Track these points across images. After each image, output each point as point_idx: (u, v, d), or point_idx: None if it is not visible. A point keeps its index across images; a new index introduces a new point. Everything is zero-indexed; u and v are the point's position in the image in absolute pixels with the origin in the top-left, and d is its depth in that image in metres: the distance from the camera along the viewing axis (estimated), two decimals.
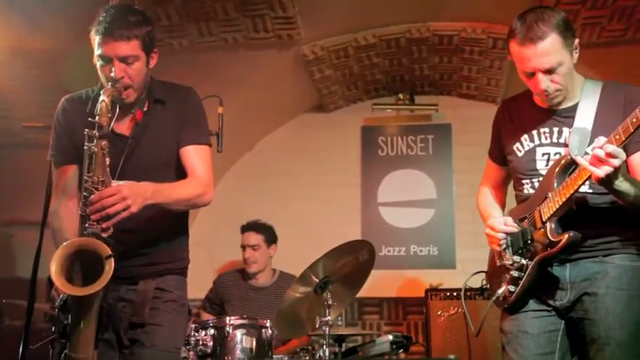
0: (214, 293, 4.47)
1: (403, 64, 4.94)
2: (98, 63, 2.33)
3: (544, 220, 2.25)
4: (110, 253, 2.08)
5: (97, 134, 2.17)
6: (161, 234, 2.41)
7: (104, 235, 2.12)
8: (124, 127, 2.38)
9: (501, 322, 2.43)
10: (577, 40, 2.28)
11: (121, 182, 2.18)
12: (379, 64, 4.90)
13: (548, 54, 2.20)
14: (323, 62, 4.71)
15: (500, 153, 2.55)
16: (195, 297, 4.47)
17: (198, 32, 4.06)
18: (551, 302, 2.30)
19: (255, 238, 4.42)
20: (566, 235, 2.17)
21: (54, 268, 2.06)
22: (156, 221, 2.32)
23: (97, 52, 2.31)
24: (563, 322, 2.30)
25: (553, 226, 2.22)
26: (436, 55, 4.79)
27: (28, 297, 2.87)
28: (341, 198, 5.25)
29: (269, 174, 5.32)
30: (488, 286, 2.56)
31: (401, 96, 5.31)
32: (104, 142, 2.17)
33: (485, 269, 2.61)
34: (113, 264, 2.07)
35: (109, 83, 2.26)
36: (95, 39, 2.31)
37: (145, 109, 2.43)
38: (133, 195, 2.13)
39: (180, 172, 2.44)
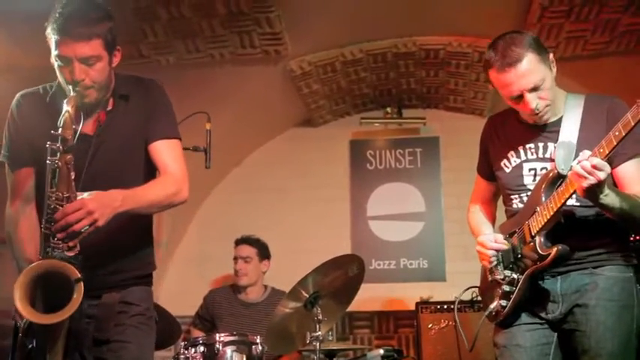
0: (204, 309, 4.44)
1: (390, 78, 4.97)
2: (56, 63, 2.15)
3: (533, 234, 2.26)
4: (79, 276, 1.94)
5: (60, 148, 2.00)
6: (124, 240, 2.22)
7: (70, 254, 1.98)
8: (88, 128, 2.21)
9: (494, 335, 2.44)
10: (552, 55, 2.32)
11: (85, 194, 2.02)
12: (366, 78, 4.93)
13: (529, 73, 2.23)
14: (310, 77, 4.73)
15: (488, 169, 2.57)
16: (185, 314, 4.49)
17: (185, 48, 4.07)
18: (543, 315, 2.31)
19: (247, 250, 4.43)
20: (555, 249, 2.19)
21: (18, 295, 1.92)
22: (118, 227, 2.11)
23: (54, 52, 2.13)
24: (555, 334, 2.31)
25: (542, 239, 2.24)
26: (423, 69, 4.82)
27: (12, 316, 2.83)
28: (330, 212, 5.25)
29: (258, 189, 5.31)
30: (478, 298, 2.57)
31: (389, 110, 5.33)
32: (69, 157, 2.01)
33: (476, 282, 2.63)
34: (82, 288, 1.94)
35: (69, 86, 2.11)
36: (52, 38, 2.11)
37: (109, 108, 2.27)
38: (100, 207, 1.96)
39: (150, 170, 2.30)
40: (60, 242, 1.98)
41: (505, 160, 2.44)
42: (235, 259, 4.45)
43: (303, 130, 5.45)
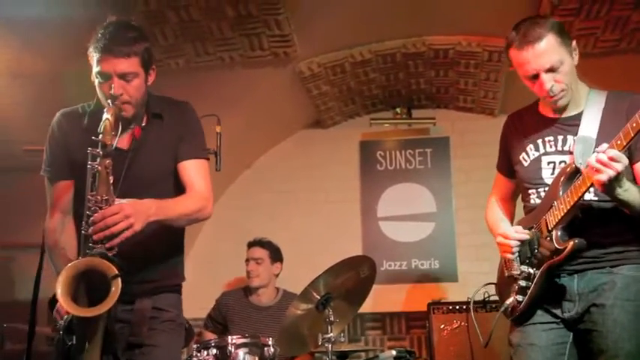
0: (217, 311, 4.45)
1: (400, 79, 4.96)
2: (97, 80, 2.32)
3: (550, 228, 2.25)
4: (117, 272, 2.06)
5: (100, 153, 2.15)
6: (157, 250, 2.38)
7: (109, 254, 2.09)
8: (123, 142, 2.36)
9: (510, 334, 2.42)
10: (574, 42, 2.31)
11: (123, 200, 2.15)
12: (376, 79, 4.93)
13: (547, 53, 2.23)
14: (320, 79, 4.73)
15: (508, 165, 2.56)
16: (197, 316, 4.50)
17: (194, 52, 4.08)
18: (559, 314, 2.30)
19: (260, 252, 4.44)
20: (571, 242, 2.18)
21: (60, 290, 2.04)
22: (152, 238, 2.29)
23: (95, 69, 2.30)
24: (571, 334, 2.29)
25: (559, 233, 2.23)
26: (432, 69, 4.81)
27: (29, 320, 2.85)
28: (341, 213, 5.24)
29: (268, 191, 5.32)
30: (491, 298, 2.56)
31: (398, 110, 5.32)
32: (108, 161, 2.16)
33: (488, 281, 2.62)
34: (120, 283, 2.05)
35: (108, 100, 2.25)
36: (94, 56, 2.29)
37: (144, 124, 2.42)
38: (136, 213, 2.10)
39: (179, 186, 2.43)
40: (97, 244, 2.09)
41: (524, 154, 2.43)
42: (247, 260, 4.46)
43: (312, 132, 5.45)
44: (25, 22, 3.48)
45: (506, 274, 2.41)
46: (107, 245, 2.08)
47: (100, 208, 2.11)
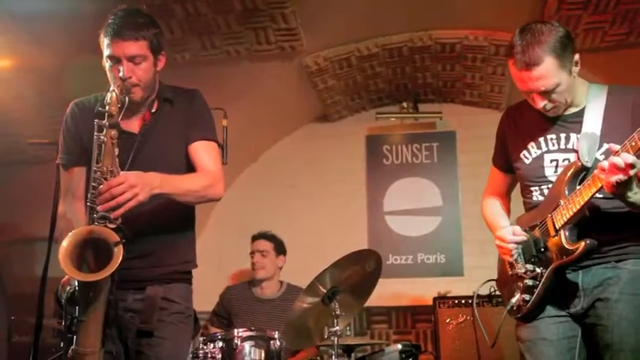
0: (220, 307, 4.47)
1: (406, 73, 4.95)
2: (107, 64, 2.35)
3: (557, 227, 2.23)
4: (119, 240, 2.06)
5: (106, 124, 2.15)
6: (168, 234, 2.38)
7: (112, 226, 2.09)
8: (133, 126, 2.39)
9: (517, 330, 2.41)
10: (577, 56, 2.26)
11: (128, 172, 2.17)
12: (382, 73, 4.92)
13: (543, 77, 2.19)
14: (326, 73, 4.72)
15: (505, 160, 2.55)
16: (203, 309, 4.50)
17: (201, 45, 4.08)
18: (565, 309, 2.29)
19: (264, 244, 4.46)
20: (583, 243, 2.16)
21: (62, 256, 2.03)
22: (162, 220, 2.31)
23: (105, 53, 2.34)
24: (580, 328, 2.28)
25: (567, 233, 2.21)
26: (439, 63, 4.79)
27: (36, 313, 2.87)
28: (347, 207, 5.24)
29: (274, 185, 5.32)
30: (497, 292, 2.55)
31: (404, 104, 5.31)
32: (113, 132, 2.16)
33: (494, 276, 2.61)
34: (122, 250, 2.05)
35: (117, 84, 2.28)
36: (104, 41, 2.33)
37: (154, 109, 2.45)
38: (141, 183, 2.11)
39: (190, 171, 2.43)
40: (104, 214, 2.09)
41: (525, 151, 2.41)
42: (252, 253, 4.48)
43: (319, 126, 5.45)
44: (32, 17, 3.49)
45: (510, 273, 2.40)
46: (112, 215, 2.08)
47: (106, 179, 2.12)
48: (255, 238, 4.54)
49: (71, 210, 2.41)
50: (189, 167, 2.43)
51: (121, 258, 2.04)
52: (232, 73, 4.34)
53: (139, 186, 2.09)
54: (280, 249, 4.51)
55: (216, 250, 5.15)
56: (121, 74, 2.26)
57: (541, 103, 2.25)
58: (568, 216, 2.19)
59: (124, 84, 2.25)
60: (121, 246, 2.06)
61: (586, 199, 2.14)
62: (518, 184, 2.54)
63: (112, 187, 2.07)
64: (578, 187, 2.19)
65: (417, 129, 5.37)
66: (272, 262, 4.44)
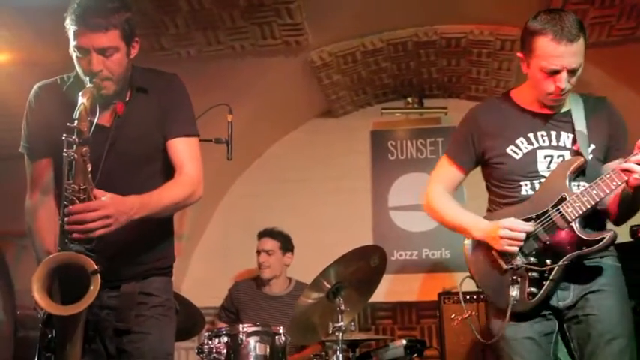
0: (229, 301, 4.48)
1: (411, 68, 4.93)
2: (74, 54, 2.16)
3: (570, 220, 2.29)
4: (96, 268, 1.97)
5: (76, 140, 2.00)
6: (144, 231, 2.20)
7: (87, 246, 2.00)
8: (105, 119, 2.21)
9: (498, 325, 2.40)
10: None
11: (105, 197, 2.02)
12: (387, 68, 4.90)
13: (578, 54, 2.27)
14: (331, 68, 4.72)
15: (470, 158, 2.58)
16: (208, 305, 4.53)
17: (205, 41, 4.08)
18: (554, 303, 2.35)
19: (270, 243, 4.44)
20: (609, 234, 2.28)
21: (36, 287, 1.96)
22: (139, 220, 2.13)
23: (72, 43, 2.13)
24: (557, 323, 2.37)
25: (578, 226, 2.29)
26: (444, 58, 4.78)
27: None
28: (351, 203, 5.24)
29: (279, 180, 5.32)
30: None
31: (410, 100, 5.30)
32: (85, 149, 2.01)
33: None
34: (99, 280, 1.96)
35: (87, 77, 2.12)
36: (70, 29, 2.12)
37: (127, 99, 2.27)
38: (117, 213, 2.00)
39: (166, 162, 2.30)
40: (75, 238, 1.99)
41: (513, 147, 2.44)
42: (258, 252, 4.46)
43: (324, 121, 5.44)
44: (38, 11, 3.49)
45: (505, 267, 2.38)
46: (83, 238, 1.98)
47: (78, 198, 1.99)
48: (261, 235, 4.52)
49: (44, 209, 2.28)
50: (167, 159, 2.30)
51: (98, 289, 1.95)
52: (237, 69, 4.34)
53: (113, 217, 1.98)
54: (287, 246, 4.49)
55: (221, 245, 5.17)
56: (90, 67, 2.09)
57: (564, 83, 2.29)
58: (584, 208, 2.27)
59: (95, 84, 2.09)
60: (98, 275, 1.96)
61: (607, 191, 2.24)
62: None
63: (85, 213, 1.96)
64: (594, 182, 2.27)
65: (422, 124, 5.36)
66: (278, 260, 4.42)
